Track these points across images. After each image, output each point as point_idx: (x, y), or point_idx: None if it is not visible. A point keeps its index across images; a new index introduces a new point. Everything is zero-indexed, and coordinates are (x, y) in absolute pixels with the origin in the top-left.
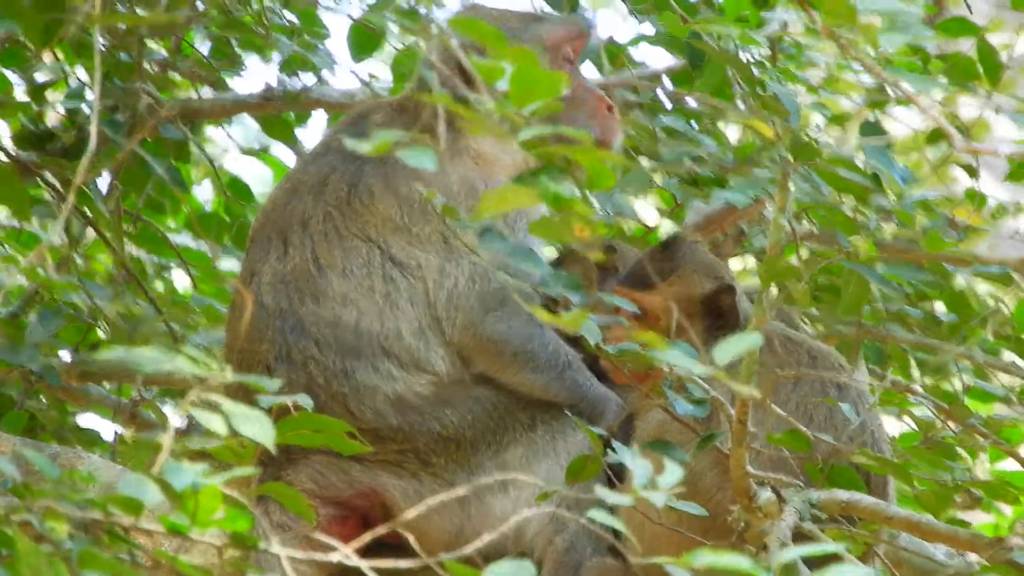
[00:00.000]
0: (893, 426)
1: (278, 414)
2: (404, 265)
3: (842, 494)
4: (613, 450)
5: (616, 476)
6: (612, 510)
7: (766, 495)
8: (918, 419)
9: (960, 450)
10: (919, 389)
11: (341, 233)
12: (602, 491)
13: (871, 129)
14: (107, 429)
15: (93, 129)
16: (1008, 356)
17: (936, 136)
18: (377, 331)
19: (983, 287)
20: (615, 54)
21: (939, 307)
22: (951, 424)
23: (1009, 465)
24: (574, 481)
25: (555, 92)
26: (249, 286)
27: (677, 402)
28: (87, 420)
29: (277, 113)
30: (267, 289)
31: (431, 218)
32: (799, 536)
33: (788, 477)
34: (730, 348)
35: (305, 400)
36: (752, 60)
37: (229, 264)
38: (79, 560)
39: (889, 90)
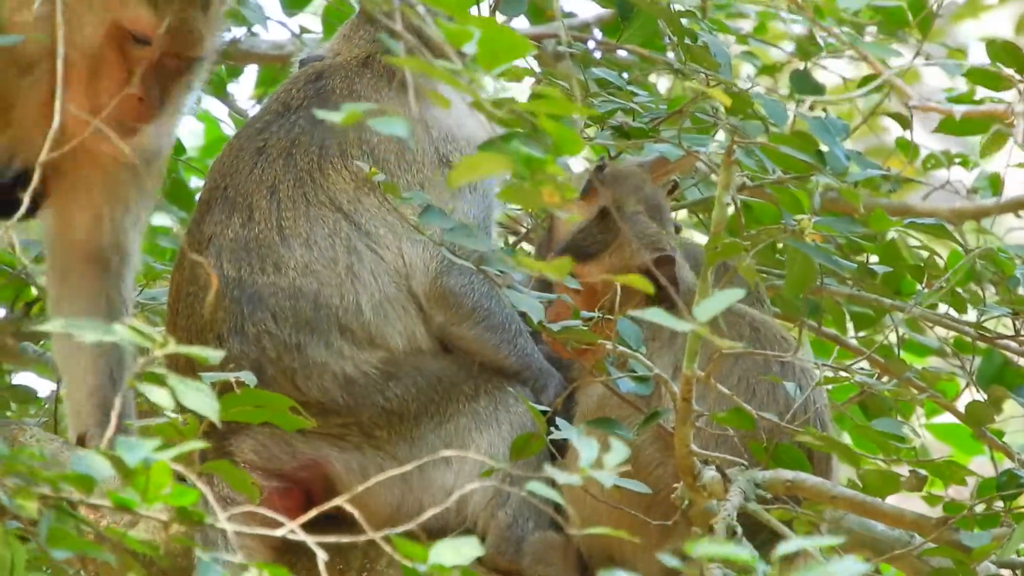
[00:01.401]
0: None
1: (222, 387)
2: (372, 234)
3: (787, 474)
4: (556, 427)
5: (558, 450)
6: (553, 484)
7: (711, 474)
8: (852, 369)
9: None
10: (854, 343)
11: (309, 200)
12: (550, 470)
13: (801, 79)
14: (43, 387)
15: None
16: (942, 308)
17: (867, 83)
18: (336, 304)
19: (914, 239)
20: (544, 4)
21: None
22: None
23: (945, 419)
24: (518, 458)
25: (522, 53)
26: (205, 251)
27: (621, 380)
28: (22, 378)
29: None
30: (227, 256)
31: (409, 167)
32: (743, 516)
33: (731, 455)
34: (711, 305)
35: (249, 377)
36: (682, 9)
37: (161, 220)
38: (48, 538)
39: (819, 39)
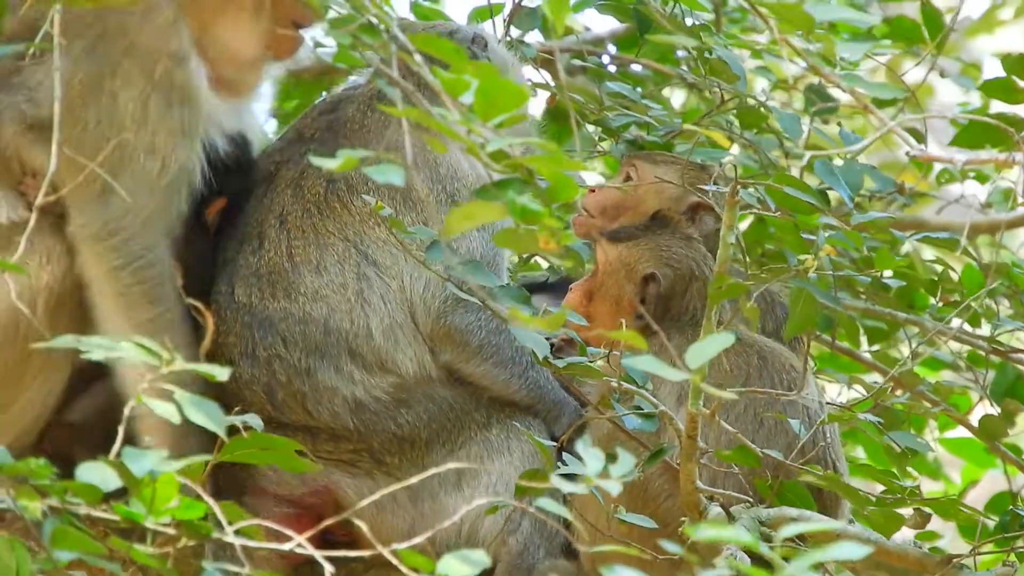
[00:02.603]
0: (843, 395)
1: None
2: (379, 264)
3: (791, 511)
4: (563, 462)
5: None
6: (564, 500)
7: (716, 511)
8: (868, 386)
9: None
10: (867, 357)
11: (318, 230)
12: (558, 481)
13: (815, 93)
14: None
15: None
16: (956, 322)
17: (882, 101)
18: (347, 329)
19: (929, 253)
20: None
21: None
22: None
23: (959, 432)
24: (523, 494)
25: (520, 104)
26: (220, 276)
27: (627, 417)
28: None
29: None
30: (239, 282)
31: (414, 205)
32: (748, 552)
33: (737, 490)
34: (701, 351)
35: (255, 421)
36: (696, 24)
37: None
38: (52, 540)
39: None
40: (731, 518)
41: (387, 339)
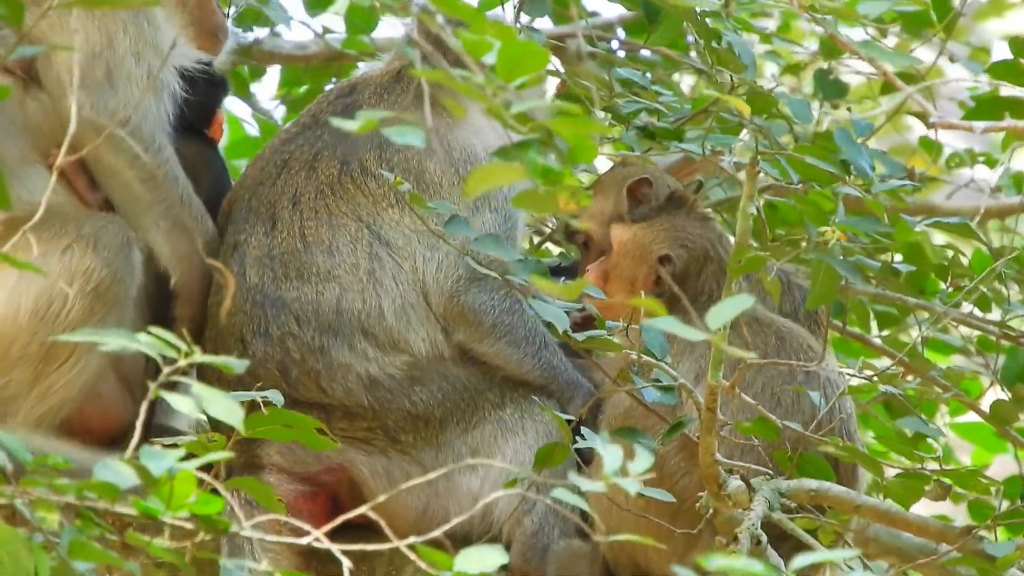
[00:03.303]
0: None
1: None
2: (392, 245)
3: (811, 483)
4: (582, 436)
5: (584, 459)
6: (580, 492)
7: (735, 483)
8: (878, 371)
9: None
10: (878, 342)
11: (331, 211)
12: (575, 478)
13: (825, 78)
14: None
15: None
16: (967, 307)
17: (890, 86)
18: (359, 309)
19: (939, 238)
20: (567, 4)
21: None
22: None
23: (969, 417)
24: (542, 467)
25: (541, 65)
26: (229, 259)
27: (646, 390)
28: None
29: (231, 66)
30: (252, 263)
31: (427, 187)
32: (767, 525)
33: (755, 463)
34: (722, 313)
35: (276, 396)
36: (706, 9)
37: None
38: (69, 550)
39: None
40: (751, 490)
41: (399, 320)
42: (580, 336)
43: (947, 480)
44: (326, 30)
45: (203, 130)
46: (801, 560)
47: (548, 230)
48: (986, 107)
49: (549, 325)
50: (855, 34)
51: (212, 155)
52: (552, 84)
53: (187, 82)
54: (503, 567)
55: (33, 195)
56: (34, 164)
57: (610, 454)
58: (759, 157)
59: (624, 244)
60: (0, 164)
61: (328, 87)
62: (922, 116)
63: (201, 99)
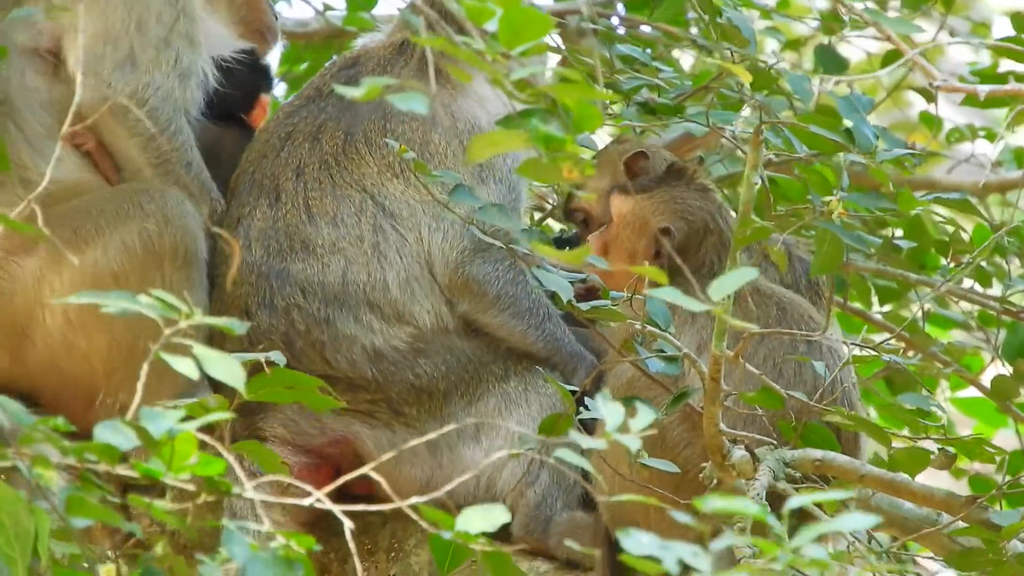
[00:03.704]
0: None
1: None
2: (396, 216)
3: (815, 452)
4: (586, 407)
5: (587, 431)
6: (582, 454)
7: (740, 454)
8: (879, 346)
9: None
10: (879, 317)
11: (336, 182)
12: (576, 436)
13: (825, 54)
14: None
15: None
16: (968, 282)
17: (891, 59)
18: (364, 281)
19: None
20: None
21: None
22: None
23: (970, 393)
24: (544, 442)
25: (544, 32)
26: (234, 232)
27: (650, 360)
28: None
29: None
30: (256, 236)
31: (432, 157)
32: (773, 496)
33: (759, 434)
34: (725, 284)
35: (278, 357)
36: None
37: None
38: (67, 506)
39: (843, 15)
40: (755, 460)
41: (404, 292)
42: (584, 306)
43: (951, 449)
44: (327, 7)
45: (243, 117)
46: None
47: (549, 206)
48: (988, 81)
49: (553, 295)
50: (859, 4)
51: (243, 141)
52: (553, 61)
53: (227, 71)
54: (505, 537)
55: (58, 173)
56: (59, 142)
57: (611, 412)
58: (763, 127)
59: (624, 216)
60: (26, 140)
61: (334, 58)
62: (923, 92)
63: (242, 87)
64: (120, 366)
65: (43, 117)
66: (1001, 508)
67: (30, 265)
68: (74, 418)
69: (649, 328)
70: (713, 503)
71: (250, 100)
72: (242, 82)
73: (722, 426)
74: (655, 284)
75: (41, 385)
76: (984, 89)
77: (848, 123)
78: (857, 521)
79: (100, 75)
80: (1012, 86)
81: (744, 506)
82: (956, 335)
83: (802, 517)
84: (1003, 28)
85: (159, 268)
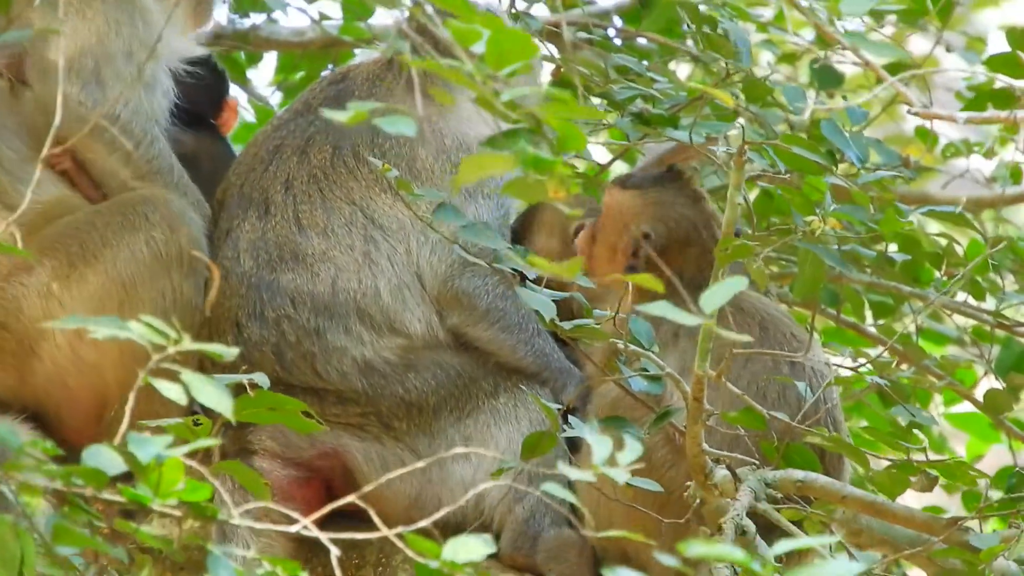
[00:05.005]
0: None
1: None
2: (386, 228)
3: (797, 473)
4: (570, 426)
5: (572, 447)
6: (569, 484)
7: (722, 473)
8: (873, 360)
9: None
10: (872, 331)
11: (325, 195)
12: (564, 468)
13: (821, 67)
14: None
15: None
16: (961, 296)
17: (880, 82)
18: (354, 289)
19: (934, 227)
20: None
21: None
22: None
23: (964, 407)
24: (530, 457)
25: (530, 54)
26: (224, 244)
27: (633, 379)
28: None
29: (227, 53)
30: (245, 247)
31: (419, 174)
32: (754, 515)
33: (743, 454)
34: (716, 296)
35: (262, 379)
36: None
37: None
38: (53, 535)
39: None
40: (737, 480)
41: (395, 299)
42: (567, 325)
43: (934, 471)
44: (323, 16)
45: (212, 121)
46: (782, 546)
47: None
48: (984, 98)
49: (536, 313)
50: (851, 23)
51: (217, 144)
52: (548, 70)
53: (189, 76)
54: (492, 555)
55: (36, 194)
56: (34, 163)
57: (599, 444)
58: (747, 147)
59: (611, 208)
60: (0, 166)
61: (324, 73)
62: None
63: (206, 91)
64: (131, 379)
65: (12, 141)
66: (990, 527)
67: (34, 283)
68: (80, 434)
69: (632, 347)
70: (696, 549)
71: (216, 104)
72: (204, 88)
73: (705, 446)
74: (644, 290)
75: (47, 402)
76: (962, 116)
77: (834, 144)
78: (844, 568)
79: (69, 95)
80: (991, 113)
81: (729, 552)
82: (950, 350)
83: (784, 538)
84: (999, 44)
85: (168, 276)
